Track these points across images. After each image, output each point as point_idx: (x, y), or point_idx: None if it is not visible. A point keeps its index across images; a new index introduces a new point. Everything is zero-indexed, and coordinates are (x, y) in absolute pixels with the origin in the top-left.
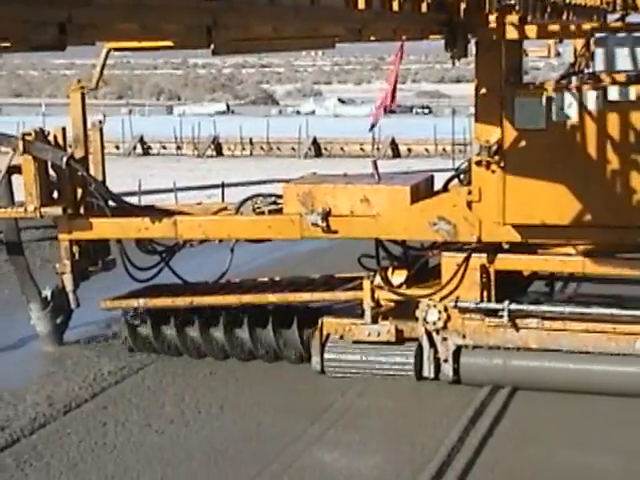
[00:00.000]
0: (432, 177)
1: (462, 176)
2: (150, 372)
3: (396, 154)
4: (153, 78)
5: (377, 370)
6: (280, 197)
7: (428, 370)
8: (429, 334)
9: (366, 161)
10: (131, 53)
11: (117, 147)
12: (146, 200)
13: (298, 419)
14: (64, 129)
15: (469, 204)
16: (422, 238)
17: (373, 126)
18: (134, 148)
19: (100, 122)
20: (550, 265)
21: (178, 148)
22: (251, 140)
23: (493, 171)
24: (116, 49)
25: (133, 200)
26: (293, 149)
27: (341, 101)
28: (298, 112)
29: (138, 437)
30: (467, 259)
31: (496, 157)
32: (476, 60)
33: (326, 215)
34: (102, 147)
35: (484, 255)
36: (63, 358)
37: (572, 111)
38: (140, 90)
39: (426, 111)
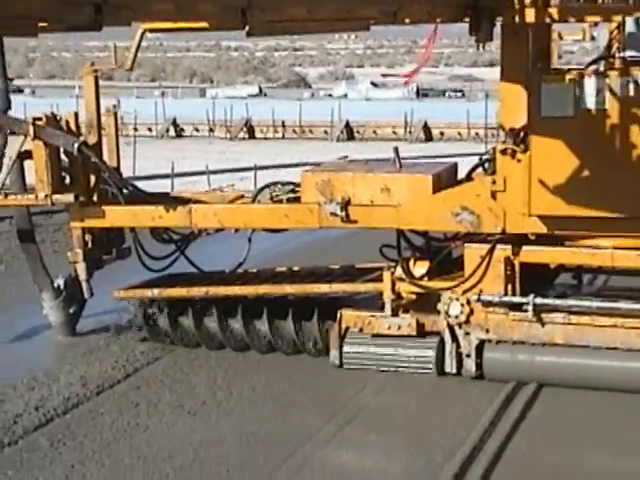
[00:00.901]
0: (456, 165)
1: (487, 165)
2: (182, 353)
3: (428, 138)
4: (186, 61)
5: (397, 364)
6: (299, 185)
7: (450, 365)
8: (451, 328)
9: (398, 144)
10: (164, 35)
11: (150, 129)
12: (179, 182)
13: (317, 415)
14: (76, 114)
15: (493, 194)
16: (444, 229)
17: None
18: (167, 130)
19: (114, 107)
20: (578, 258)
21: (211, 131)
22: (283, 123)
23: (519, 160)
24: (151, 30)
25: (166, 183)
26: (325, 132)
27: (374, 84)
28: (330, 95)
29: (170, 418)
30: (491, 251)
31: (522, 145)
32: (502, 44)
33: (345, 204)
34: (117, 133)
35: (509, 247)
36: (95, 340)
37: (602, 98)
38: (173, 72)
39: (459, 95)
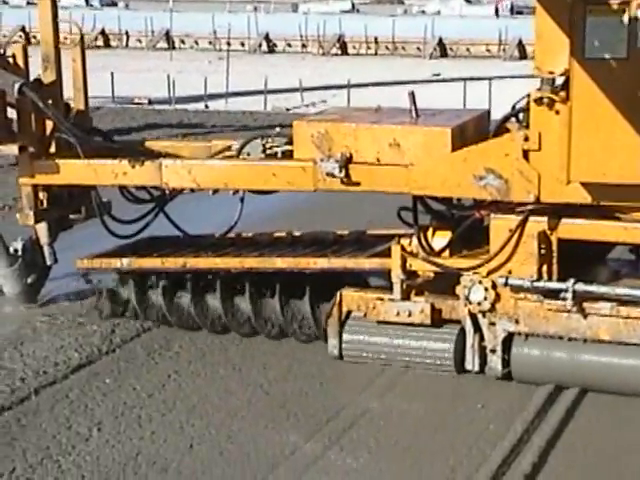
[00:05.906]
0: (487, 114)
1: (521, 116)
2: None
3: (523, 56)
4: None
5: (407, 359)
6: None
7: (471, 362)
8: (473, 317)
9: (492, 62)
10: None
11: (242, 44)
12: (272, 98)
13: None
14: (25, 47)
15: (526, 153)
16: (465, 195)
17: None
18: (259, 45)
19: (81, 37)
20: (630, 235)
21: (303, 46)
22: (376, 39)
23: (557, 112)
24: None
25: (260, 99)
26: (418, 49)
27: (467, 1)
28: (423, 12)
29: None
30: (522, 224)
31: (561, 93)
32: None
33: (346, 162)
34: (84, 68)
35: (544, 219)
36: None
37: None
38: None
39: None
